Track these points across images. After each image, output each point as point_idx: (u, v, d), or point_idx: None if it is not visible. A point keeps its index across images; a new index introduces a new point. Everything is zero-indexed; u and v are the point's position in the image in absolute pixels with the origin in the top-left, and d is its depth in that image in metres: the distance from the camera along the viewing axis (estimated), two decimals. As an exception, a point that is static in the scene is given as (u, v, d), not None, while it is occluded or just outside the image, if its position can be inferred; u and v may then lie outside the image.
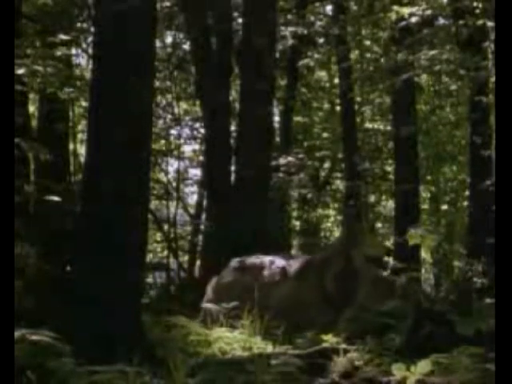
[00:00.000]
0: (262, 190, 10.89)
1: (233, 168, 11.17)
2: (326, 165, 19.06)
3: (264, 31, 10.86)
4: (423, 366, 4.27)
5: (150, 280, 12.27)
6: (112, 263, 5.65)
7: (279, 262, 7.71)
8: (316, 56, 16.69)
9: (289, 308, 7.32)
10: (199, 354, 5.88)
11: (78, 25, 12.53)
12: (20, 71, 7.24)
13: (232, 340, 6.45)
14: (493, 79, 10.53)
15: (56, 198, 7.82)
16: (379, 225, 19.90)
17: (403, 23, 10.72)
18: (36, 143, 7.87)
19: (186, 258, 16.29)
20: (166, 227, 14.59)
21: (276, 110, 16.02)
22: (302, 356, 5.63)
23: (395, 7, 10.11)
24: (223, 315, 7.01)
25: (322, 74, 19.12)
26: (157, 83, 13.71)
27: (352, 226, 7.60)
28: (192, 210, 16.87)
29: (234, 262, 7.92)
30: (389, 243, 18.69)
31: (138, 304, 5.89)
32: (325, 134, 18.90)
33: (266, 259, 7.76)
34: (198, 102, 13.77)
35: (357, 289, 7.19)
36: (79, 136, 14.83)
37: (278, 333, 6.76)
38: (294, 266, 7.64)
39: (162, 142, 15.88)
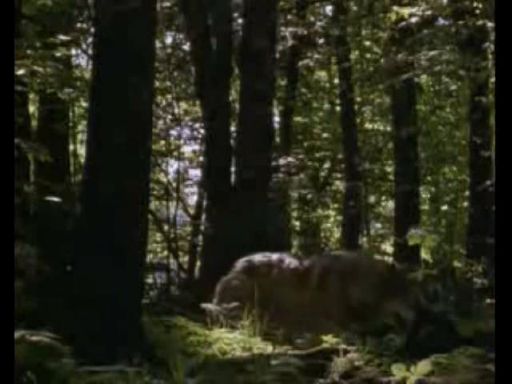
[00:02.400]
0: (261, 191, 10.89)
1: (233, 168, 11.16)
2: (326, 165, 19.06)
3: (264, 32, 10.86)
4: (423, 366, 4.26)
5: (150, 280, 12.26)
6: (112, 263, 5.65)
7: (288, 260, 7.55)
8: (316, 56, 16.69)
9: (310, 317, 7.13)
10: (199, 355, 5.88)
11: (78, 25, 12.53)
12: (20, 72, 7.24)
13: (233, 340, 6.44)
14: (493, 79, 10.53)
15: (56, 199, 7.82)
16: (379, 225, 19.92)
17: (403, 23, 10.72)
18: (36, 144, 7.87)
19: (186, 258, 16.30)
20: (166, 227, 14.60)
21: (276, 110, 16.02)
22: (302, 356, 5.63)
23: (395, 8, 10.10)
24: (224, 316, 6.98)
25: (322, 74, 19.13)
26: (157, 83, 13.72)
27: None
28: (192, 211, 16.87)
29: (242, 262, 7.73)
30: (389, 243, 18.72)
31: (138, 304, 5.89)
32: (325, 135, 18.90)
33: (274, 257, 7.62)
34: (198, 102, 13.77)
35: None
36: (79, 136, 14.83)
37: (277, 333, 6.75)
38: (308, 269, 7.42)
39: (162, 142, 15.89)
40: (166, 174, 15.92)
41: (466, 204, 16.66)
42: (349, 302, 7.08)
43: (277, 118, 16.34)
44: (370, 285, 7.04)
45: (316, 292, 7.23)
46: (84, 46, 13.64)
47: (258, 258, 7.67)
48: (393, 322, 6.71)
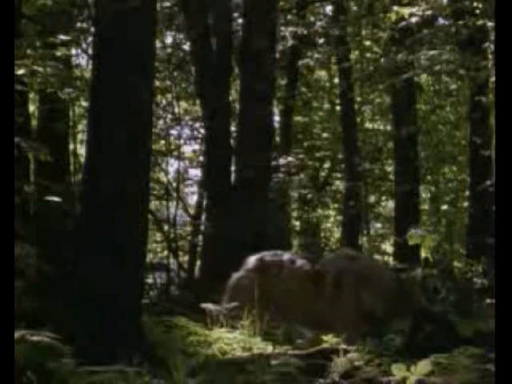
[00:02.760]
0: (262, 191, 10.89)
1: (233, 168, 11.16)
2: (326, 165, 19.06)
3: (264, 31, 10.86)
4: (423, 366, 4.26)
5: (150, 280, 12.25)
6: (112, 263, 5.65)
7: (300, 261, 7.52)
8: (316, 56, 16.69)
9: (322, 318, 7.10)
10: (199, 355, 5.88)
11: (78, 25, 12.53)
12: (20, 71, 7.24)
13: (233, 340, 6.44)
14: (493, 79, 10.53)
15: (56, 199, 7.82)
16: (379, 225, 19.92)
17: (403, 23, 10.73)
18: (36, 143, 7.87)
19: (186, 258, 16.29)
20: (166, 227, 14.59)
21: (276, 110, 16.02)
22: (302, 356, 5.63)
23: (395, 7, 10.10)
24: (224, 316, 6.97)
25: (322, 74, 19.13)
26: (157, 83, 13.71)
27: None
28: (192, 211, 16.87)
29: (253, 261, 7.68)
30: (389, 243, 18.72)
31: (138, 304, 5.89)
32: (325, 134, 18.90)
33: (285, 257, 7.58)
34: (198, 102, 13.77)
35: None
36: (79, 136, 14.83)
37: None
38: (320, 270, 7.37)
39: (162, 142, 15.89)
40: (166, 173, 15.93)
41: (466, 204, 16.65)
42: (361, 306, 7.08)
43: (277, 118, 16.35)
44: (380, 296, 7.05)
45: (330, 293, 7.22)
46: (84, 46, 13.64)
47: (269, 257, 7.63)
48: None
